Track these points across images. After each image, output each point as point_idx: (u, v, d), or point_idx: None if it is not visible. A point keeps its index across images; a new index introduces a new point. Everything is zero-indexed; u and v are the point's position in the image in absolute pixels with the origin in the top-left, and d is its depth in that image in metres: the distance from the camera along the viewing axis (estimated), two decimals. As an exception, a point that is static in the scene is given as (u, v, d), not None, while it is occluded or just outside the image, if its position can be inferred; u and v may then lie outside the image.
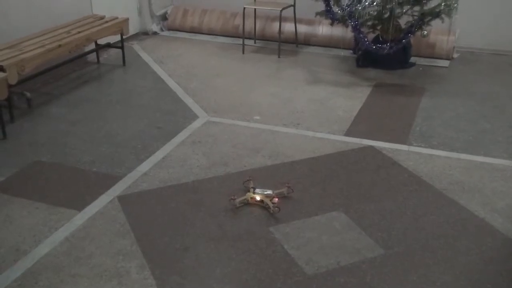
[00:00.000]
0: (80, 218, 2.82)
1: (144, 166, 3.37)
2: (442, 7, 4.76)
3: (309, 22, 6.00)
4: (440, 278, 2.42)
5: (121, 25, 5.12)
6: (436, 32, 5.51)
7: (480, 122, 4.07)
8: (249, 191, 3.00)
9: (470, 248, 2.63)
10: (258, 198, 2.96)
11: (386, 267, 2.49)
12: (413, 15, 5.00)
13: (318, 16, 5.31)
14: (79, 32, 4.60)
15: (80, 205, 2.93)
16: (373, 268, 2.48)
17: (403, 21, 5.13)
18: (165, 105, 4.35)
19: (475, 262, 2.54)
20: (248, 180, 3.11)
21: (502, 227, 2.78)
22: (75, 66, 5.11)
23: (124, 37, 5.27)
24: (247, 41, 5.92)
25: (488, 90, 4.75)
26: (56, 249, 2.57)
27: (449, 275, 2.45)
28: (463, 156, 3.53)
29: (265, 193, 3.00)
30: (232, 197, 2.94)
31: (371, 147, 3.65)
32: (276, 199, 2.95)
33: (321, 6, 5.19)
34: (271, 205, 2.90)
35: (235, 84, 4.84)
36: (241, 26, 5.85)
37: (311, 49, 5.93)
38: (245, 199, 2.96)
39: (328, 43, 5.94)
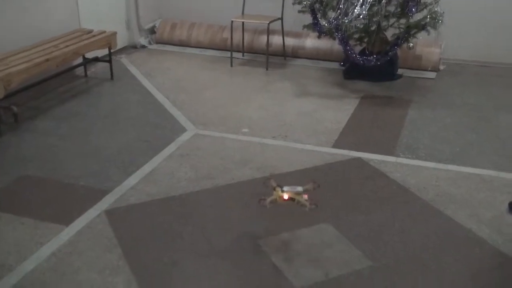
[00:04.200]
0: (67, 233, 2.79)
1: (132, 180, 3.35)
2: (427, 20, 4.81)
3: (297, 35, 6.03)
4: (428, 290, 2.43)
5: (109, 39, 5.12)
6: (423, 44, 5.57)
7: (467, 133, 4.10)
8: (275, 190, 2.71)
9: (457, 260, 2.64)
10: (287, 196, 2.70)
11: (374, 279, 2.49)
12: (399, 28, 5.05)
13: (305, 29, 5.36)
14: (67, 46, 4.60)
15: (67, 220, 2.91)
16: (361, 280, 2.48)
17: (389, 34, 5.18)
18: (153, 118, 4.35)
19: (462, 273, 2.55)
20: (269, 179, 2.87)
21: (489, 237, 2.80)
22: (63, 80, 5.09)
23: (112, 50, 5.27)
24: (235, 54, 5.94)
25: (474, 101, 4.79)
26: (42, 265, 2.55)
27: (436, 287, 2.45)
28: (450, 167, 3.55)
29: (295, 190, 2.71)
30: (262, 198, 2.73)
31: (359, 158, 3.67)
32: (306, 196, 2.71)
33: (309, 19, 5.23)
34: (306, 202, 2.66)
35: (224, 97, 4.85)
36: (229, 39, 5.88)
37: (299, 61, 5.97)
38: (274, 198, 2.71)
39: (316, 56, 5.98)
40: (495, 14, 5.63)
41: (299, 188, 2.71)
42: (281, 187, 2.71)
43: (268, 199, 2.70)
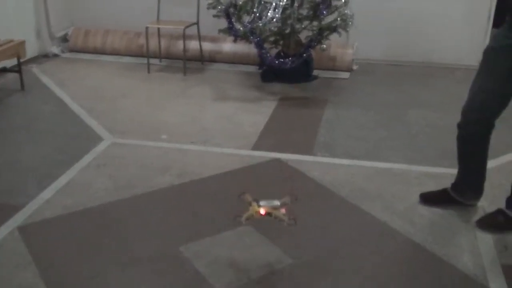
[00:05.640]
0: (-24, 253, 2.66)
1: (47, 193, 3.23)
2: (338, 22, 4.98)
3: (214, 39, 6.05)
4: (348, 284, 2.50)
5: (17, 48, 4.91)
6: (337, 46, 5.75)
7: (379, 130, 4.27)
8: (250, 205, 2.59)
9: (374, 252, 2.74)
10: (263, 211, 2.57)
11: (295, 277, 2.54)
12: (312, 30, 5.19)
13: (221, 33, 5.38)
14: (-30, 57, 4.38)
15: (-24, 240, 2.76)
16: (283, 279, 2.52)
17: (303, 36, 5.31)
18: (68, 129, 4.22)
19: (379, 265, 2.65)
20: (243, 193, 2.69)
21: (402, 229, 2.92)
22: (-31, 93, 4.85)
23: (21, 60, 5.06)
24: (152, 60, 5.88)
25: (385, 99, 5.00)
26: (-51, 289, 2.41)
27: (356, 280, 2.53)
28: (364, 163, 3.69)
29: (272, 205, 2.60)
30: (238, 215, 2.58)
31: (278, 159, 3.73)
32: (283, 210, 2.60)
33: (224, 23, 5.26)
34: (284, 217, 2.56)
35: (141, 104, 4.79)
36: (145, 46, 5.80)
37: (217, 66, 5.99)
38: (250, 214, 2.58)
39: (233, 60, 6.02)
40: (402, 15, 5.90)
41: (276, 202, 2.61)
42: (257, 201, 2.60)
43: (244, 216, 2.59)
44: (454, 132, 2.98)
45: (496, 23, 2.81)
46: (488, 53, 2.81)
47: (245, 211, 2.58)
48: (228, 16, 5.15)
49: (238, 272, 2.56)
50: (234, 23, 5.15)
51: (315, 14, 5.06)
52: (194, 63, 5.97)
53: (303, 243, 2.79)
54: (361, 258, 2.69)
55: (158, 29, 5.96)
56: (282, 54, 5.33)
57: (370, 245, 2.79)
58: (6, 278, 2.48)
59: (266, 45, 5.20)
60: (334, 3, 5.07)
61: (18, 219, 2.95)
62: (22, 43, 5.00)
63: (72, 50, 6.42)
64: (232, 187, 3.37)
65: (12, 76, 5.23)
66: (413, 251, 2.77)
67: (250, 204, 2.61)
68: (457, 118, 2.94)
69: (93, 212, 3.05)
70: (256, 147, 3.94)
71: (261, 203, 2.58)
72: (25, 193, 3.23)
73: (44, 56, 6.19)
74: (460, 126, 2.94)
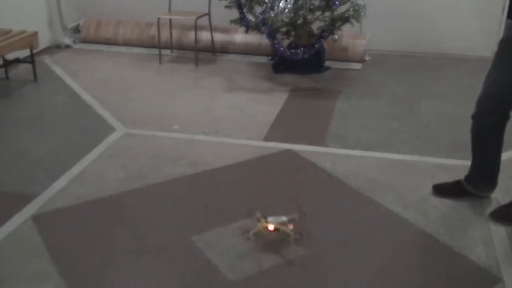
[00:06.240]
0: (-9, 242, 2.69)
1: (60, 183, 3.26)
2: (351, 12, 4.94)
3: (225, 30, 6.04)
4: (357, 275, 2.50)
5: (30, 39, 4.93)
6: (349, 36, 5.71)
7: (391, 121, 4.25)
8: (259, 221, 2.73)
9: (385, 243, 2.73)
10: (271, 227, 2.70)
11: (306, 268, 2.54)
12: (324, 21, 5.16)
13: (233, 24, 5.37)
14: (-16, 48, 4.40)
15: (-10, 229, 2.79)
16: (294, 270, 2.52)
17: (315, 27, 5.28)
18: (80, 119, 4.24)
19: (390, 256, 2.64)
20: (254, 211, 2.84)
21: (414, 220, 2.91)
22: (-18, 83, 4.88)
23: (34, 51, 5.08)
24: (163, 51, 5.88)
25: (397, 90, 4.96)
26: (-35, 277, 2.44)
27: (367, 270, 2.53)
28: (376, 154, 3.67)
29: (280, 220, 2.72)
30: (245, 231, 2.73)
31: (290, 150, 3.72)
32: (291, 226, 2.71)
33: (236, 14, 5.24)
34: (291, 233, 2.67)
35: (153, 95, 4.79)
36: (157, 36, 5.80)
37: (229, 57, 5.98)
38: (258, 230, 2.71)
39: (245, 51, 6.01)
40: (415, 6, 5.85)
41: (284, 218, 2.74)
42: (266, 218, 2.74)
43: (252, 232, 2.72)
44: (466, 124, 2.95)
45: (511, 14, 2.77)
46: (503, 44, 2.78)
47: (251, 228, 2.71)
48: (239, 6, 5.14)
49: (250, 262, 2.56)
50: (246, 14, 5.14)
51: (327, 4, 5.03)
52: (205, 54, 5.96)
53: (315, 234, 2.78)
54: (372, 249, 2.68)
55: (170, 19, 5.96)
56: (294, 44, 5.31)
57: (381, 236, 2.79)
58: (21, 266, 2.50)
59: (278, 36, 5.19)
60: (346, -7, 5.04)
61: (31, 208, 2.98)
62: (34, 34, 5.01)
63: (84, 41, 6.44)
64: (244, 177, 3.38)
65: (25, 67, 5.27)
66: (425, 243, 2.76)
67: (259, 221, 2.74)
68: (470, 109, 2.91)
69: (105, 202, 3.07)
70: (267, 138, 3.93)
71: (269, 219, 2.73)
72: (38, 183, 3.26)
73: (56, 47, 6.21)
74: (474, 117, 2.92)
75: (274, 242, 2.69)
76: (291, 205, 2.99)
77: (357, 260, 2.60)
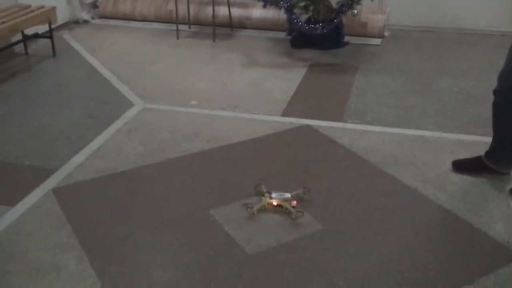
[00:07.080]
0: (13, 213, 2.72)
1: (79, 157, 3.29)
2: (370, -14, 4.86)
3: (243, 5, 5.98)
4: (376, 249, 2.50)
5: (48, 14, 4.94)
6: (368, 11, 5.63)
7: (410, 97, 4.20)
8: (263, 196, 2.79)
9: (403, 219, 2.72)
10: (275, 203, 2.75)
11: (325, 242, 2.55)
12: (343, -5, 5.09)
13: (251, -1, 5.32)
14: (3, 23, 4.41)
15: (12, 201, 2.83)
16: (313, 244, 2.53)
17: (334, 1, 5.21)
18: (99, 94, 4.25)
19: (408, 231, 2.63)
20: (259, 184, 2.90)
21: (433, 196, 2.90)
22: (1, 58, 4.90)
23: (52, 26, 5.09)
24: (181, 27, 5.85)
25: (417, 66, 4.90)
26: (-12, 247, 2.49)
27: (384, 245, 2.53)
28: (395, 130, 3.64)
29: (283, 197, 2.78)
30: (249, 205, 2.74)
31: (308, 126, 3.71)
32: (295, 202, 2.75)
33: (254, -11, 5.20)
34: (292, 210, 2.70)
35: (171, 70, 4.79)
36: (174, 11, 5.77)
37: (246, 32, 5.93)
38: (262, 205, 2.75)
39: (263, 26, 5.96)
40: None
41: (287, 195, 2.80)
42: (270, 193, 2.79)
43: (256, 207, 2.74)
44: (487, 100, 2.91)
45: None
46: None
47: (255, 203, 2.75)
48: (258, -19, 5.08)
49: (268, 236, 2.58)
50: (264, -12, 5.08)
51: (347, -22, 4.95)
52: (223, 29, 5.93)
53: (333, 209, 2.79)
54: (391, 225, 2.68)
55: (187, -6, 5.92)
56: (312, 19, 5.25)
57: (400, 212, 2.78)
58: (43, 238, 2.55)
59: (296, 11, 5.13)
60: (366, -33, 4.96)
61: (52, 181, 3.02)
62: (53, 9, 5.02)
63: (102, 17, 6.43)
64: (261, 153, 3.37)
65: (44, 42, 5.29)
66: (444, 218, 2.75)
67: (263, 195, 2.79)
68: (490, 85, 2.87)
69: (124, 175, 3.10)
70: (285, 113, 3.92)
71: (273, 195, 2.78)
72: (58, 157, 3.29)
73: (74, 23, 6.22)
74: (496, 92, 2.87)
75: (291, 218, 2.70)
76: (305, 180, 3.00)
77: (376, 234, 2.60)
